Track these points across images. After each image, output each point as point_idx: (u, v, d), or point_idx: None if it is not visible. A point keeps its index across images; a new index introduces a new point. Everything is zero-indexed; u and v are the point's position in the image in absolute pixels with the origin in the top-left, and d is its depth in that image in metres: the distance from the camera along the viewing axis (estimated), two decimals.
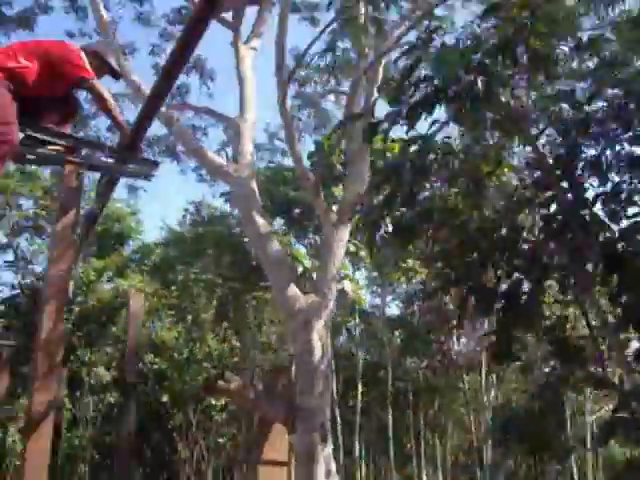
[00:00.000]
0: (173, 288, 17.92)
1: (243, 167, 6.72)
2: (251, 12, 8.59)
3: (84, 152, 4.78)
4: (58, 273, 4.31)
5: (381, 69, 7.31)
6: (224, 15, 8.25)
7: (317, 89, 12.64)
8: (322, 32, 6.63)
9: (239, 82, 7.64)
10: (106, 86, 4.72)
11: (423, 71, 2.92)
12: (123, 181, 12.80)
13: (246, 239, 12.30)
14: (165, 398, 17.79)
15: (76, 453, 17.16)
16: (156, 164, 4.95)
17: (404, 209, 2.76)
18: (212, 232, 13.26)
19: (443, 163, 2.82)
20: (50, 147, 4.61)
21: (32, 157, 4.66)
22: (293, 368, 6.40)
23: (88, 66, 4.54)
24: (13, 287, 22.70)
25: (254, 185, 6.72)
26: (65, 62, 4.48)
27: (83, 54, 4.59)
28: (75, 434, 17.55)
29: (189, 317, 17.53)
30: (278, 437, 6.67)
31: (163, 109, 6.47)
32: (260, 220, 6.41)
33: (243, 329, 14.65)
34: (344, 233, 6.48)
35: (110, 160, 4.86)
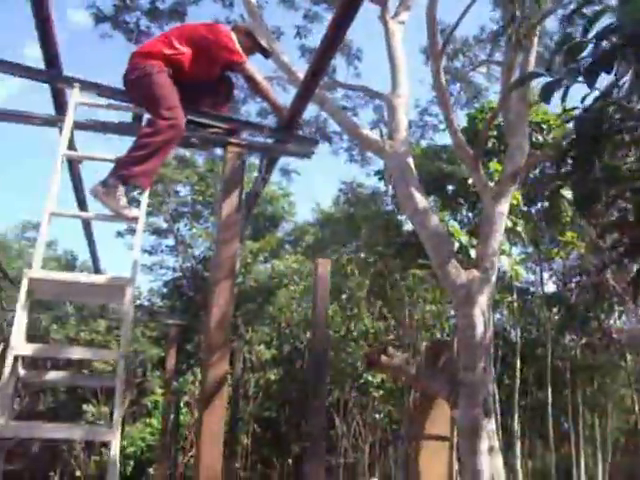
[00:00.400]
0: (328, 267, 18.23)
1: (398, 142, 6.70)
2: None
3: (244, 134, 4.99)
4: (225, 252, 4.49)
5: (536, 39, 7.04)
6: None
7: (466, 63, 12.38)
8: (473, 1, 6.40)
9: (389, 57, 7.61)
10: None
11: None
12: (277, 166, 13.21)
13: (400, 216, 12.35)
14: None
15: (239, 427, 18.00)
16: (315, 142, 5.05)
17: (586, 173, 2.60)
18: (365, 211, 13.36)
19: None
20: (210, 130, 4.83)
21: (195, 141, 4.90)
22: (455, 343, 6.33)
23: (240, 49, 4.69)
24: (174, 270, 24.12)
25: (410, 160, 6.69)
26: (218, 46, 4.66)
27: (234, 36, 4.75)
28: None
29: (344, 296, 17.78)
30: (439, 412, 6.64)
31: (317, 93, 6.55)
32: (418, 195, 6.38)
33: (398, 307, 14.65)
34: (504, 207, 6.30)
35: (270, 140, 5.04)
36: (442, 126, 12.46)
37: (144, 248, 23.36)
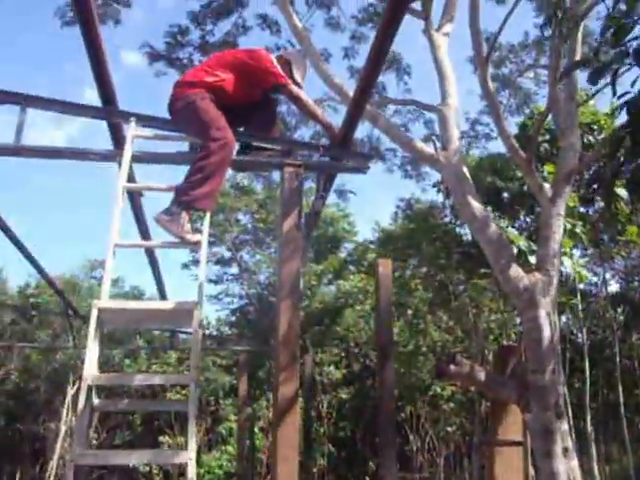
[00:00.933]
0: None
1: (452, 152, 6.77)
2: None
3: (299, 154, 5.16)
4: (289, 272, 4.62)
5: (580, 35, 7.05)
6: (413, 5, 8.37)
7: (513, 69, 12.38)
8: (515, 6, 6.45)
9: (437, 70, 7.70)
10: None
11: None
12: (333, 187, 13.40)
13: (459, 228, 12.35)
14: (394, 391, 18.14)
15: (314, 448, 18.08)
16: (369, 157, 5.20)
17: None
18: (424, 225, 13.38)
19: None
20: (266, 153, 5.02)
21: (252, 164, 5.09)
22: (522, 348, 6.32)
23: (281, 71, 4.87)
24: (241, 297, 24.47)
25: (464, 169, 6.75)
26: (261, 70, 4.86)
27: (275, 60, 4.93)
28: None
29: (409, 311, 17.76)
30: (511, 418, 6.61)
31: (367, 107, 6.69)
32: (475, 203, 6.42)
33: (463, 318, 14.58)
34: (560, 207, 6.28)
35: (325, 159, 5.20)
36: (494, 134, 12.47)
37: (209, 278, 23.85)
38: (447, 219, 12.56)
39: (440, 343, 16.71)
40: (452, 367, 5.97)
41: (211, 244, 23.74)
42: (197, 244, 4.31)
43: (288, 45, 11.81)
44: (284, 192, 4.84)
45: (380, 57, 4.27)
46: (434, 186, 11.16)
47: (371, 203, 42.67)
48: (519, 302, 6.08)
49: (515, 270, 6.07)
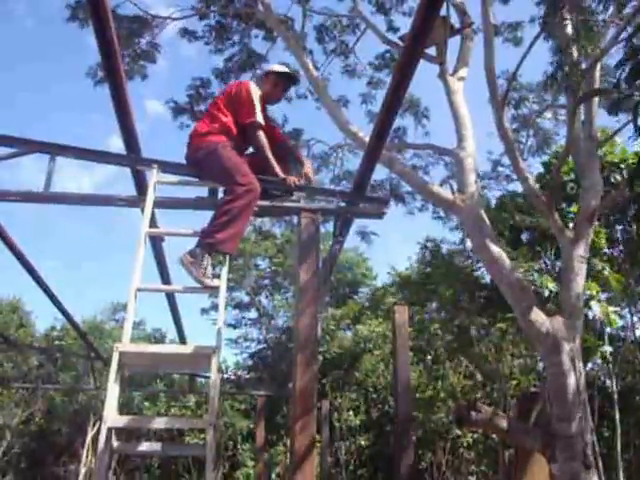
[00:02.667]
0: (410, 329, 18.08)
1: (469, 196, 6.73)
2: (453, 42, 8.72)
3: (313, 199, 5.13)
4: (306, 323, 4.54)
5: (597, 72, 7.04)
6: (427, 51, 8.46)
7: (532, 108, 12.37)
8: (530, 47, 6.46)
9: (452, 114, 7.73)
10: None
11: None
12: (354, 229, 13.39)
13: (479, 272, 12.22)
14: (413, 437, 17.82)
15: None
16: (385, 202, 5.14)
17: None
18: (446, 268, 13.25)
19: None
20: (282, 198, 5.00)
21: (270, 210, 5.06)
22: (546, 394, 6.15)
23: (256, 107, 4.85)
24: (259, 342, 24.42)
25: (482, 213, 6.69)
26: (239, 107, 4.89)
27: (253, 92, 4.91)
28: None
29: (428, 357, 17.54)
30: (537, 468, 6.39)
31: (384, 151, 6.68)
32: (494, 247, 6.35)
33: (483, 362, 14.32)
34: (583, 249, 6.19)
35: (342, 204, 5.16)
36: (515, 176, 12.41)
37: (228, 322, 23.88)
38: (469, 261, 12.44)
39: (459, 388, 16.40)
40: (473, 414, 5.81)
41: (230, 289, 23.83)
42: (216, 289, 4.27)
43: (307, 93, 12.00)
44: (301, 239, 4.80)
45: (395, 103, 4.26)
46: (457, 228, 11.04)
47: (384, 246, 42.73)
48: (542, 347, 5.95)
49: (536, 314, 5.95)
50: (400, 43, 9.73)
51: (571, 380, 5.68)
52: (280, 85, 5.21)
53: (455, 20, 8.83)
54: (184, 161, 4.95)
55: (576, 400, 5.63)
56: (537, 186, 6.49)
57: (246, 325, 24.33)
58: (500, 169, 12.80)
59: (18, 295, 24.05)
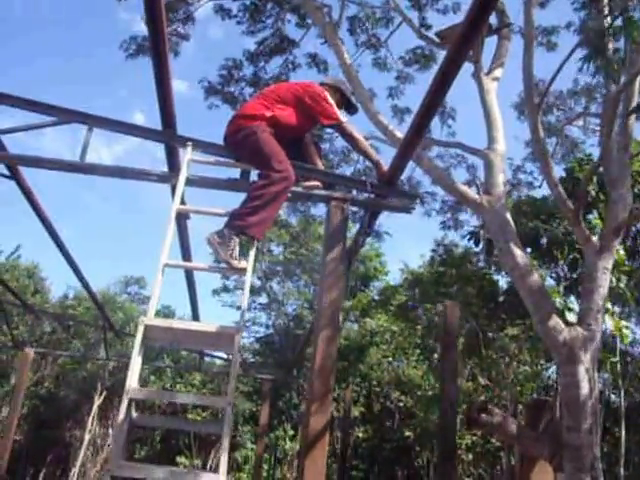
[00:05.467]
0: (418, 327, 18.11)
1: (496, 198, 6.68)
2: (490, 42, 8.67)
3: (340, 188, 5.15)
4: (329, 302, 4.58)
5: (637, 84, 6.92)
6: None
7: (561, 117, 12.30)
8: (571, 53, 6.37)
9: (484, 114, 7.67)
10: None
11: None
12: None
13: (494, 276, 12.17)
14: (411, 435, 17.92)
15: None
16: (415, 197, 5.14)
17: None
18: (459, 270, 13.20)
19: None
20: (307, 184, 5.01)
21: (299, 196, 5.07)
22: (557, 403, 6.12)
23: (336, 109, 4.92)
24: (267, 327, 24.51)
25: (508, 216, 6.65)
26: (317, 109, 4.92)
27: (329, 97, 4.97)
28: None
29: (435, 356, 17.56)
30: (541, 476, 6.37)
31: None
32: (517, 251, 6.30)
33: (492, 367, 14.28)
34: (608, 262, 6.12)
35: (371, 195, 5.16)
36: (536, 183, 12.36)
37: (237, 305, 23.99)
38: (481, 264, 12.39)
39: (464, 389, 16.39)
40: (483, 416, 5.80)
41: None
42: (242, 271, 4.29)
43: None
44: (329, 227, 4.82)
45: (438, 96, 4.23)
46: (470, 234, 10.96)
47: (396, 244, 42.65)
48: (558, 356, 5.91)
49: (555, 322, 5.91)
50: (436, 39, 9.67)
51: (584, 391, 5.64)
52: (338, 106, 5.22)
53: (493, 20, 8.75)
54: (218, 141, 4.98)
55: (588, 411, 5.59)
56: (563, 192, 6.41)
57: (255, 309, 24.43)
58: (521, 176, 12.76)
59: (35, 261, 24.35)
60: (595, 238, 6.30)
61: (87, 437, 18.48)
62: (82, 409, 19.88)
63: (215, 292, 23.95)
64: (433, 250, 14.64)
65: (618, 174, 6.53)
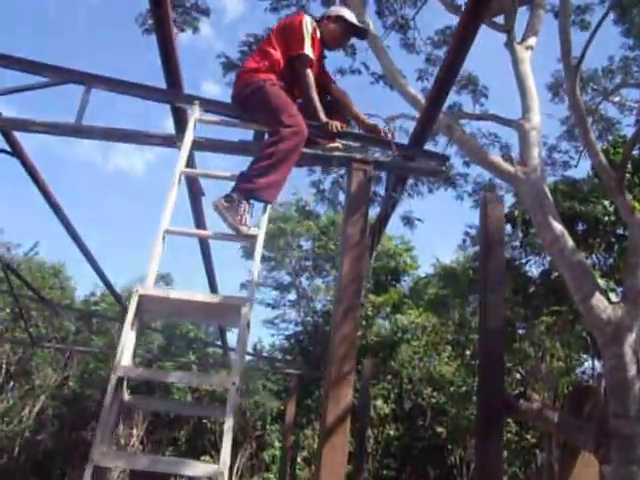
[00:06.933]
0: (450, 323, 17.64)
1: (532, 169, 6.23)
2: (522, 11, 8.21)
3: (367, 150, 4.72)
4: (350, 275, 4.18)
5: None
6: (495, 20, 7.97)
7: (595, 96, 11.76)
8: (600, 24, 5.91)
9: (518, 84, 7.23)
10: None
11: None
12: (398, 212, 12.90)
13: (527, 264, 11.66)
14: (444, 432, 17.47)
15: None
16: (445, 158, 4.70)
17: None
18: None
19: None
20: (330, 145, 4.59)
21: (316, 158, 4.66)
22: (602, 389, 5.62)
23: (304, 41, 4.43)
24: (296, 324, 24.15)
25: (546, 188, 6.19)
26: (288, 42, 4.49)
27: (306, 26, 4.49)
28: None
29: (467, 352, 17.08)
30: (585, 468, 5.87)
31: (442, 116, 6.23)
32: (556, 224, 5.85)
33: (525, 360, 13.75)
34: None
35: (397, 158, 4.73)
36: (573, 162, 11.83)
37: (267, 302, 23.68)
38: (515, 252, 11.86)
39: None
40: (522, 402, 5.34)
41: (271, 269, 23.65)
42: (252, 238, 3.87)
43: (362, 68, 11.53)
44: (351, 191, 4.40)
45: (465, 42, 3.81)
46: (504, 215, 10.45)
47: (427, 239, 41.89)
48: (601, 336, 5.43)
49: (598, 299, 5.43)
50: None
51: (632, 373, 5.16)
52: (346, 35, 4.83)
53: None
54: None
55: (637, 396, 5.11)
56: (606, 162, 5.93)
57: (285, 305, 24.11)
58: (556, 156, 12.21)
59: (62, 260, 24.32)
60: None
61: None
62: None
63: (243, 286, 23.61)
64: (466, 233, 14.01)
65: None
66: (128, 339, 3.37)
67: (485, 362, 4.76)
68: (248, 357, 19.75)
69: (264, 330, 23.65)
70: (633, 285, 5.48)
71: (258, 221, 3.93)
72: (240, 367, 3.35)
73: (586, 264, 5.76)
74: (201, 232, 4.88)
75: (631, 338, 5.27)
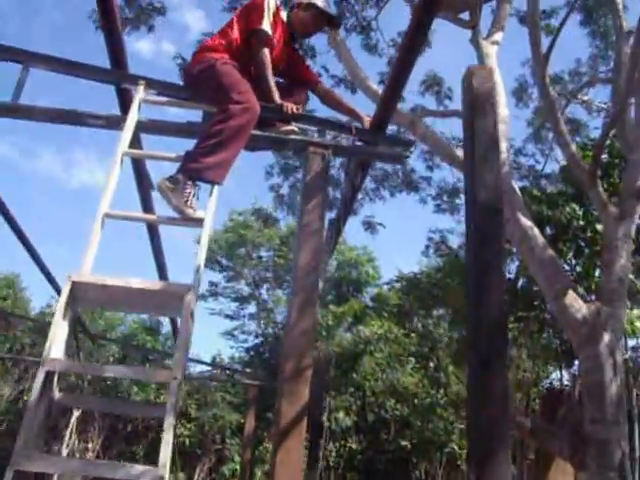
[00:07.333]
0: (413, 334, 17.39)
1: (500, 164, 5.95)
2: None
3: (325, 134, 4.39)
4: (306, 264, 3.80)
5: None
6: (461, 16, 7.77)
7: (562, 101, 11.67)
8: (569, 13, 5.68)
9: None
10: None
11: None
12: (359, 218, 12.62)
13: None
14: (408, 445, 17.20)
15: None
16: (410, 143, 4.36)
17: None
18: (453, 265, 12.41)
19: None
20: (285, 128, 4.25)
21: (270, 141, 4.30)
22: (576, 391, 5.33)
23: (263, 19, 4.09)
24: (256, 336, 23.73)
25: (513, 183, 5.92)
26: (249, 17, 4.20)
27: (267, 5, 4.18)
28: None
29: (431, 364, 16.87)
30: (560, 476, 5.57)
31: (405, 113, 5.93)
32: (525, 220, 5.59)
33: None
34: (629, 228, 5.39)
35: (358, 143, 4.39)
36: (539, 165, 11.68)
37: (225, 313, 23.23)
38: None
39: (462, 397, 15.62)
40: None
41: (230, 279, 23.20)
42: (199, 222, 3.49)
43: (322, 71, 11.27)
44: (307, 177, 4.04)
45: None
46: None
47: (389, 249, 41.63)
48: (576, 336, 5.16)
49: (572, 298, 5.16)
50: None
51: (608, 376, 4.89)
52: (317, 23, 4.50)
53: None
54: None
55: (613, 399, 4.82)
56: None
57: (244, 317, 23.66)
58: (522, 160, 12.05)
59: (16, 271, 23.71)
60: (614, 204, 5.55)
61: (65, 451, 17.63)
62: (60, 424, 19.00)
63: (202, 297, 23.09)
64: (429, 239, 13.72)
65: (636, 134, 5.81)
66: (59, 330, 3.02)
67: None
68: (206, 368, 19.30)
69: (224, 342, 23.15)
70: (608, 282, 5.22)
71: (206, 203, 3.54)
72: (183, 361, 2.98)
73: (557, 261, 5.51)
74: (143, 216, 4.47)
75: (607, 338, 5.00)
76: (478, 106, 2.77)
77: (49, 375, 2.87)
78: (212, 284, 23.38)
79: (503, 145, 6.20)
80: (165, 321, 23.63)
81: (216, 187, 3.61)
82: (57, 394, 3.02)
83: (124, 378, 15.24)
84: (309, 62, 11.42)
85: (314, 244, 3.77)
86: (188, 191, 3.50)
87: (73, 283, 3.06)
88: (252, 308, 23.83)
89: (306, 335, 3.60)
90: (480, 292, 2.53)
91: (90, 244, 3.28)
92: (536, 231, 5.58)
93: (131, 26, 11.08)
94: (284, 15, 4.41)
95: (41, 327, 19.73)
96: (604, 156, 8.27)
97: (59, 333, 3.01)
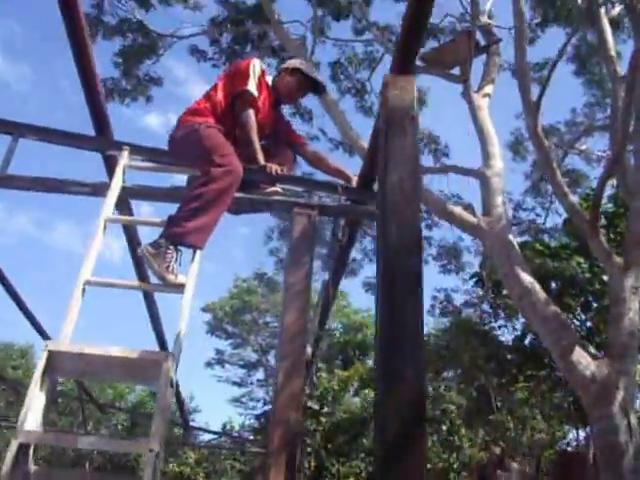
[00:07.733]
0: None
1: (496, 218, 5.82)
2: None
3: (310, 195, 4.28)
4: (293, 327, 3.63)
5: None
6: (451, 71, 7.79)
7: (558, 154, 11.61)
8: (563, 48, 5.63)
9: (478, 132, 6.98)
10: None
11: None
12: (360, 280, 12.43)
13: (497, 329, 11.18)
14: None
15: None
16: None
17: None
18: (461, 333, 12.14)
19: None
20: (269, 190, 4.12)
21: (255, 204, 4.17)
22: (590, 453, 5.03)
23: (250, 78, 4.01)
24: (265, 403, 23.38)
25: (511, 237, 5.77)
26: (235, 79, 4.09)
27: (253, 69, 4.11)
28: None
29: (444, 427, 16.41)
30: None
31: None
32: (525, 275, 5.40)
33: (503, 431, 13.05)
34: (634, 278, 5.17)
35: (345, 202, 4.25)
36: (540, 219, 11.53)
37: (233, 380, 23.06)
38: (486, 315, 11.37)
39: (475, 461, 15.10)
40: (499, 473, 4.73)
41: (237, 347, 23.04)
42: (179, 287, 3.32)
43: (320, 134, 11.35)
44: (293, 238, 3.89)
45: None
46: (473, 276, 10.02)
47: None
48: (586, 396, 4.89)
49: (579, 354, 4.93)
50: (420, 64, 9.00)
51: (623, 438, 4.59)
52: (302, 88, 4.42)
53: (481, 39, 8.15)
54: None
55: (631, 464, 4.51)
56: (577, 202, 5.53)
57: (252, 384, 23.40)
58: (522, 214, 11.90)
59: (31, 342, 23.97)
60: (617, 254, 5.36)
61: None
62: None
63: (209, 365, 22.86)
64: (433, 297, 13.44)
65: (636, 182, 5.67)
66: (35, 400, 2.82)
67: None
68: (213, 436, 18.96)
69: (232, 409, 22.89)
70: (617, 337, 4.98)
71: (187, 269, 3.38)
72: (161, 432, 2.76)
73: (562, 317, 5.27)
74: (124, 282, 4.30)
75: (619, 396, 4.74)
76: (394, 123, 2.37)
77: (23, 447, 2.67)
78: (218, 352, 23.22)
79: (499, 199, 6.10)
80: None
81: (198, 252, 3.47)
82: (32, 467, 2.81)
83: (99, 450, 15.01)
84: (306, 125, 11.50)
85: (300, 305, 3.60)
86: (170, 256, 3.37)
87: (50, 352, 2.91)
88: (260, 374, 23.58)
89: (295, 401, 3.40)
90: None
91: (70, 311, 3.14)
92: (537, 286, 5.38)
93: (130, 98, 11.21)
94: (269, 79, 4.36)
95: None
96: (609, 205, 8.15)
97: (35, 404, 2.83)
